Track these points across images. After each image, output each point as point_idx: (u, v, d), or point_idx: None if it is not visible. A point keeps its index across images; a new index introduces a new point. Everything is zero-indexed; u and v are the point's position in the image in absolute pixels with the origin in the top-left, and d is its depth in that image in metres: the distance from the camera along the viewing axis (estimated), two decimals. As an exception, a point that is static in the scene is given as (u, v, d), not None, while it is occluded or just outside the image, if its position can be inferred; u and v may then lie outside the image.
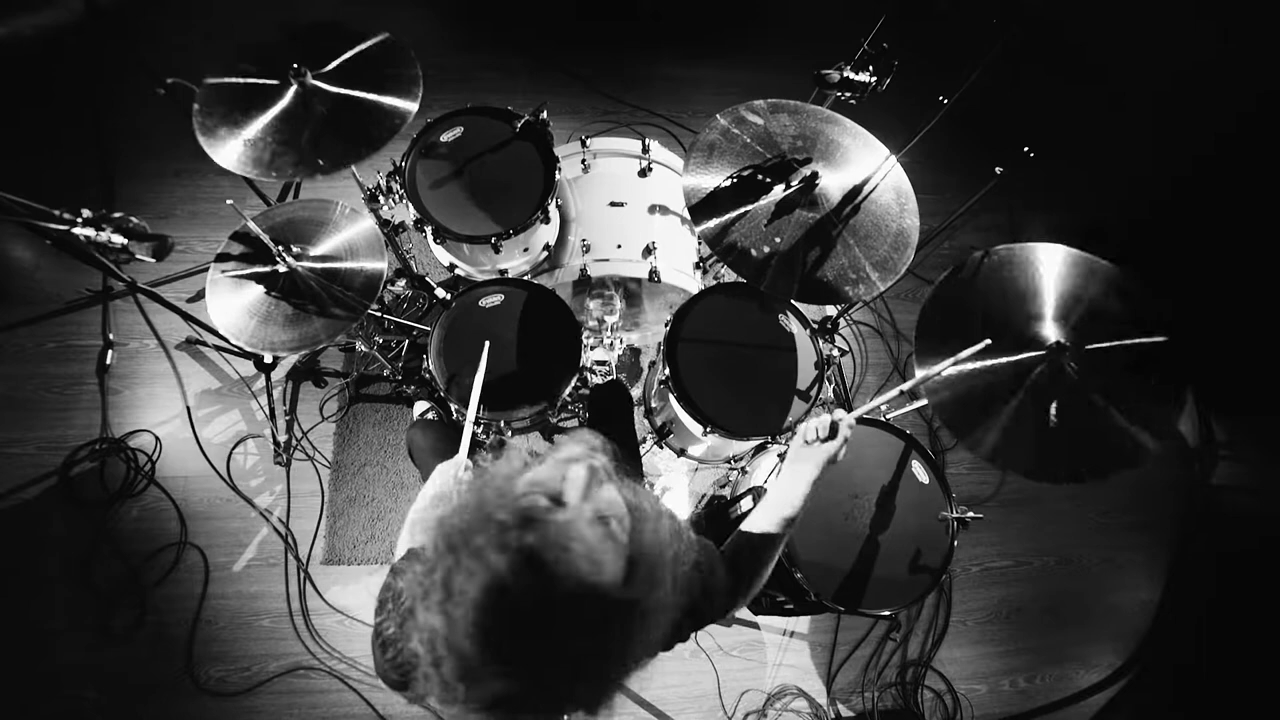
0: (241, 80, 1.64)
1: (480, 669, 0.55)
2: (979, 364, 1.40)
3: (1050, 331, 1.47)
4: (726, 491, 2.02)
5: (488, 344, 1.24)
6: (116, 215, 1.41)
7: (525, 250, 1.94)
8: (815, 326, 1.83)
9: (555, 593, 0.54)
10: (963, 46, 1.50)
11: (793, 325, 1.81)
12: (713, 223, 1.54)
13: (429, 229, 1.81)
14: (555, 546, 0.55)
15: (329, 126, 1.63)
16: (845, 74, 1.63)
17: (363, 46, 1.71)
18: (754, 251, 1.52)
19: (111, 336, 2.39)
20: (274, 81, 1.63)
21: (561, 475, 0.61)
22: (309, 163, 1.59)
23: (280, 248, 1.55)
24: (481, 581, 0.54)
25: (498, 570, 0.54)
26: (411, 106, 1.66)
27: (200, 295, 2.12)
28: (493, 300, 1.78)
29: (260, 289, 1.60)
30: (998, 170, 1.48)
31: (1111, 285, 1.51)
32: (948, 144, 2.29)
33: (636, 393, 2.27)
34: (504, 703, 0.57)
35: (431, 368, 1.69)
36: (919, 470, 1.61)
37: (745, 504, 1.69)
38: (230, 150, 1.58)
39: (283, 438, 2.30)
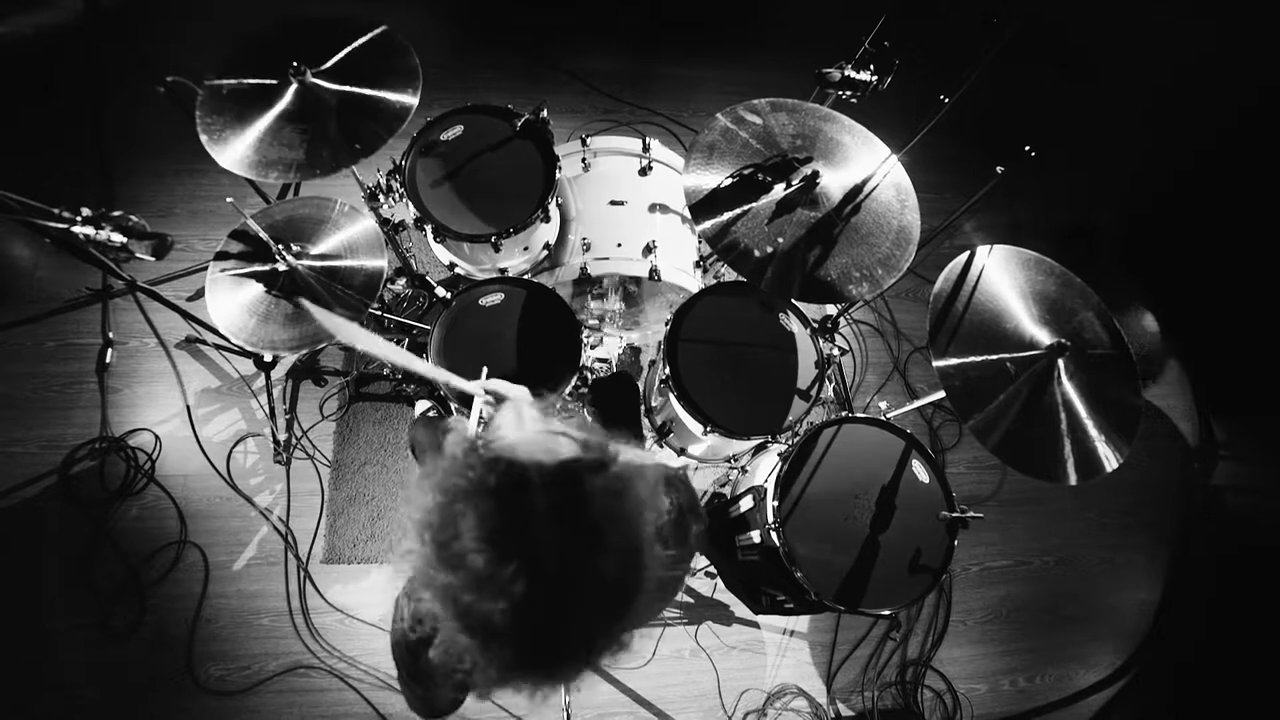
0: (242, 82, 1.64)
1: (492, 573, 0.60)
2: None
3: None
4: (726, 490, 2.02)
5: (485, 369, 1.21)
6: (116, 213, 1.41)
7: (525, 249, 1.94)
8: (815, 325, 1.83)
9: (527, 474, 0.64)
10: (963, 45, 1.50)
11: (793, 324, 1.81)
12: (713, 221, 1.54)
13: (429, 228, 1.81)
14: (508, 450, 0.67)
15: (342, 120, 1.63)
16: (846, 72, 1.63)
17: (360, 41, 1.70)
18: (755, 250, 1.52)
19: (111, 335, 2.39)
20: (273, 81, 1.63)
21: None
22: (346, 152, 1.58)
23: (280, 246, 1.55)
24: (469, 489, 0.64)
25: (480, 480, 0.64)
26: (412, 100, 1.66)
27: (200, 294, 2.12)
28: (493, 299, 1.78)
29: (260, 287, 1.60)
30: (998, 170, 1.48)
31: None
32: (948, 143, 2.29)
33: (636, 392, 2.27)
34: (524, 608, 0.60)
35: (431, 366, 1.69)
36: (919, 470, 1.60)
37: (745, 503, 1.69)
38: (245, 157, 1.57)
39: (282, 436, 2.30)
